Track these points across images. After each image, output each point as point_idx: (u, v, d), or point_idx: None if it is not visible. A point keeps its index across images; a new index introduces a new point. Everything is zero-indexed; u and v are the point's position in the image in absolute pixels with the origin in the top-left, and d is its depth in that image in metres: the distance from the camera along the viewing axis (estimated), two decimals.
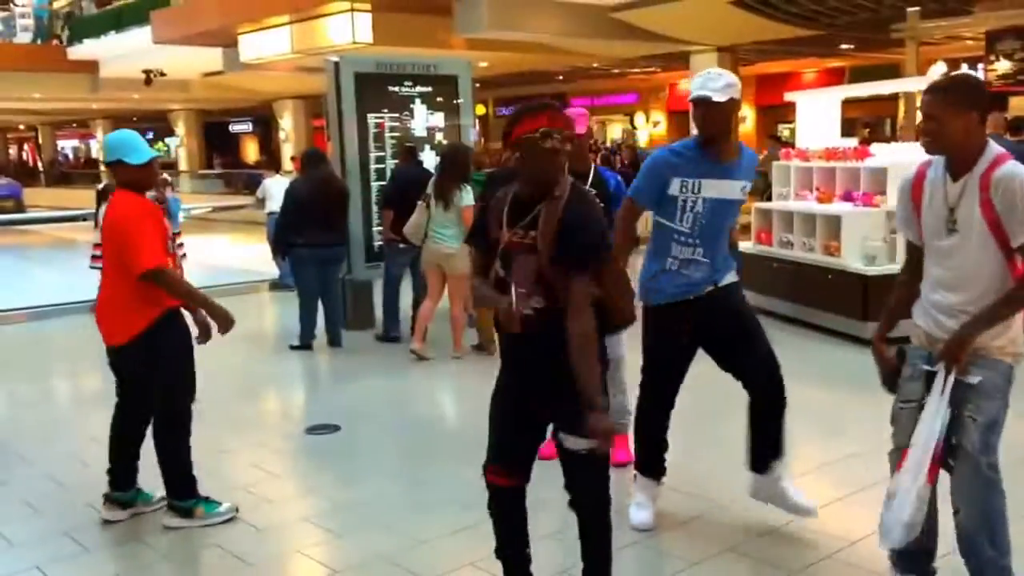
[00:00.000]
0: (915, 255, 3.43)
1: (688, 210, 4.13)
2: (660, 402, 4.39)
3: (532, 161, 3.15)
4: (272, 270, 12.15)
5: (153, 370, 4.38)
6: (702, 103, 4.02)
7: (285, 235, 8.49)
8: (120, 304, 4.37)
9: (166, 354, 4.40)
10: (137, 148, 4.38)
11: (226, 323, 4.39)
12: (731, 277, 4.32)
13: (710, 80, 4.03)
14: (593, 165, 5.14)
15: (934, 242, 3.28)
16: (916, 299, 3.41)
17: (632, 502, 4.44)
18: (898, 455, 3.38)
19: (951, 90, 3.19)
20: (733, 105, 4.05)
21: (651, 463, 4.47)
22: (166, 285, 4.29)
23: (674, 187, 4.12)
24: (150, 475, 4.60)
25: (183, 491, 4.52)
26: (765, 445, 4.36)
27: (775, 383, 4.34)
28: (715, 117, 4.04)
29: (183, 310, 4.51)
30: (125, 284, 4.28)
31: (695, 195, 4.12)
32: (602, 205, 5.04)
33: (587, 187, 5.01)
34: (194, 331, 4.55)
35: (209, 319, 4.46)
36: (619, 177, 5.38)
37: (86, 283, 11.43)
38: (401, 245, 8.20)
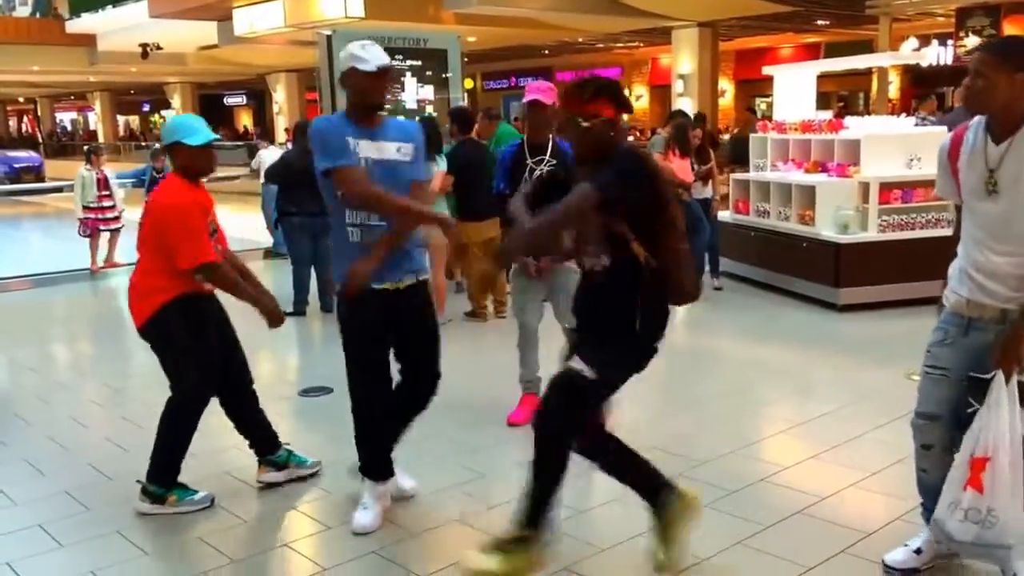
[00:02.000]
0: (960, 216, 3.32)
1: None
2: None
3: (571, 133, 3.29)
4: (266, 238, 12.13)
5: (164, 353, 4.23)
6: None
7: (279, 204, 8.51)
8: (145, 289, 4.20)
9: (166, 341, 4.20)
10: (197, 130, 4.16)
11: (273, 317, 4.29)
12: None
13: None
14: (551, 137, 5.11)
15: (975, 203, 3.14)
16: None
17: None
18: (921, 425, 3.32)
19: (1003, 50, 3.07)
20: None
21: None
22: (218, 280, 4.17)
23: None
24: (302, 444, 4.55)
25: (160, 477, 4.27)
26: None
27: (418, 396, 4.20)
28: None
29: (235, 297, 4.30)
30: (154, 268, 4.14)
31: None
32: (563, 175, 5.09)
33: (547, 157, 5.04)
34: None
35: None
36: None
37: (85, 252, 11.42)
38: None
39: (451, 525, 4.02)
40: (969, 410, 3.16)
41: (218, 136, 4.32)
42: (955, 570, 3.44)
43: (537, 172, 4.98)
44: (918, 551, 3.45)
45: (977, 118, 3.14)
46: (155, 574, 3.82)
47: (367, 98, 3.90)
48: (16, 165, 29.63)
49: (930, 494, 3.42)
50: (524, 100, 5.07)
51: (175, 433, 4.26)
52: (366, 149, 3.86)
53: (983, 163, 3.08)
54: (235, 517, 4.21)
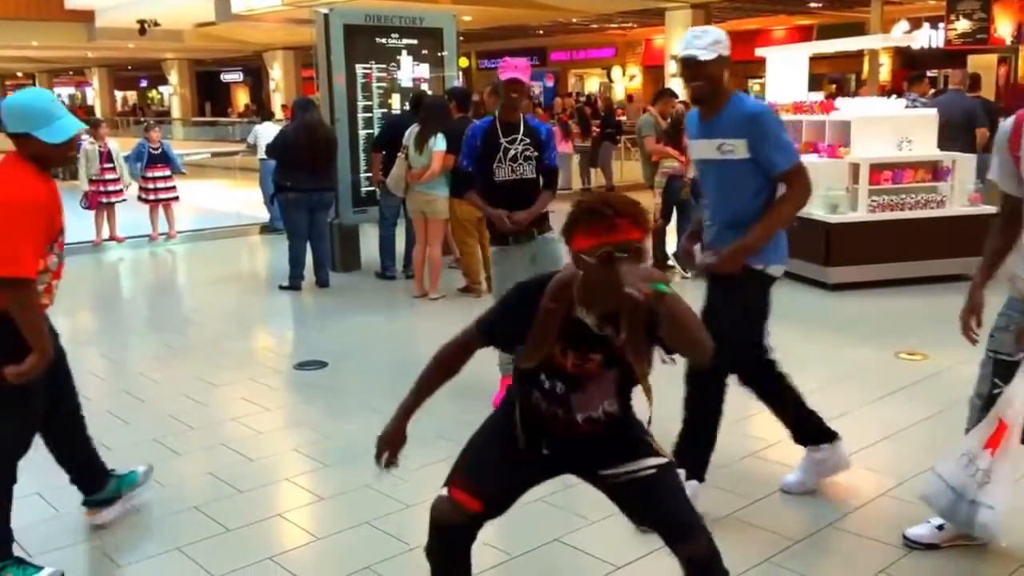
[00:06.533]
0: (1009, 206, 3.20)
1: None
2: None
3: (595, 284, 2.39)
4: (263, 213, 12.09)
5: None
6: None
7: (276, 179, 8.50)
8: None
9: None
10: (54, 119, 3.17)
11: (34, 366, 3.23)
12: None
13: (696, 38, 3.73)
14: (521, 116, 5.07)
15: None
16: (1011, 249, 3.19)
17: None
18: (978, 402, 3.27)
19: None
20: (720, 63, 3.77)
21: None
22: (17, 301, 3.14)
23: None
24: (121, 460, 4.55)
25: None
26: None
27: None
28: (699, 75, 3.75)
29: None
30: None
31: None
32: (536, 154, 5.05)
33: (520, 136, 4.95)
34: None
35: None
36: (549, 126, 5.45)
37: (87, 225, 11.36)
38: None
39: None
40: (995, 391, 3.14)
41: (84, 126, 3.38)
42: (976, 550, 3.40)
43: (512, 152, 4.96)
44: (940, 527, 3.42)
45: None
46: (147, 539, 3.82)
47: None
48: None
49: None
50: (502, 77, 4.96)
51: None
52: None
53: None
54: (231, 488, 4.21)
